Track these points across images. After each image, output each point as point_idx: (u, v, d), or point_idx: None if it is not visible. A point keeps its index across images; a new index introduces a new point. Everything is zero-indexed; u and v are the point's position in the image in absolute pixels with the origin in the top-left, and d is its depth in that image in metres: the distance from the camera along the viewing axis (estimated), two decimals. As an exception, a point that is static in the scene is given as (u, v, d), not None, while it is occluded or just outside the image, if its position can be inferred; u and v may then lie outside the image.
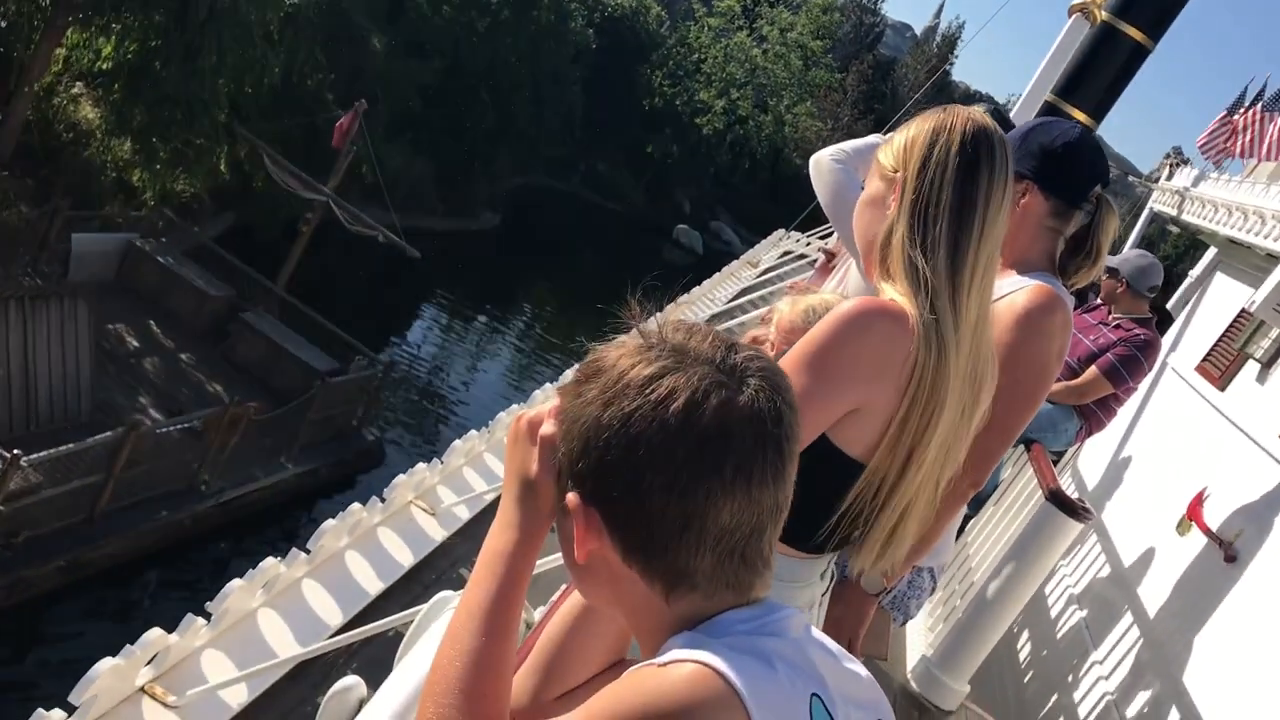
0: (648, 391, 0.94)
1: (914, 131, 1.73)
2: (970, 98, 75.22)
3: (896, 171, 1.71)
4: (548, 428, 1.06)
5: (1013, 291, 2.20)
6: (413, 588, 4.45)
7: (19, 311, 12.30)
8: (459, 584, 4.42)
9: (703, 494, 0.93)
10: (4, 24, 15.02)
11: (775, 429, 0.96)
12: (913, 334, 1.58)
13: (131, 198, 17.56)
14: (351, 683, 1.93)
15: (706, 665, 0.88)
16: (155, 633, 3.37)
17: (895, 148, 1.73)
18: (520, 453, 1.09)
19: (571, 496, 0.99)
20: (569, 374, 1.14)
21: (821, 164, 3.01)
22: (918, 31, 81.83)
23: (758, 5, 54.28)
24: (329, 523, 4.28)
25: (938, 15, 76.67)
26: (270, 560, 3.92)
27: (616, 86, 48.23)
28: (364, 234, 18.21)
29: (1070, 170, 2.40)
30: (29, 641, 11.81)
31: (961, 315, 1.64)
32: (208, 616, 3.67)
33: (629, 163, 51.76)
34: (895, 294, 1.64)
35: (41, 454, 11.02)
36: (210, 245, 18.16)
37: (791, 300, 2.21)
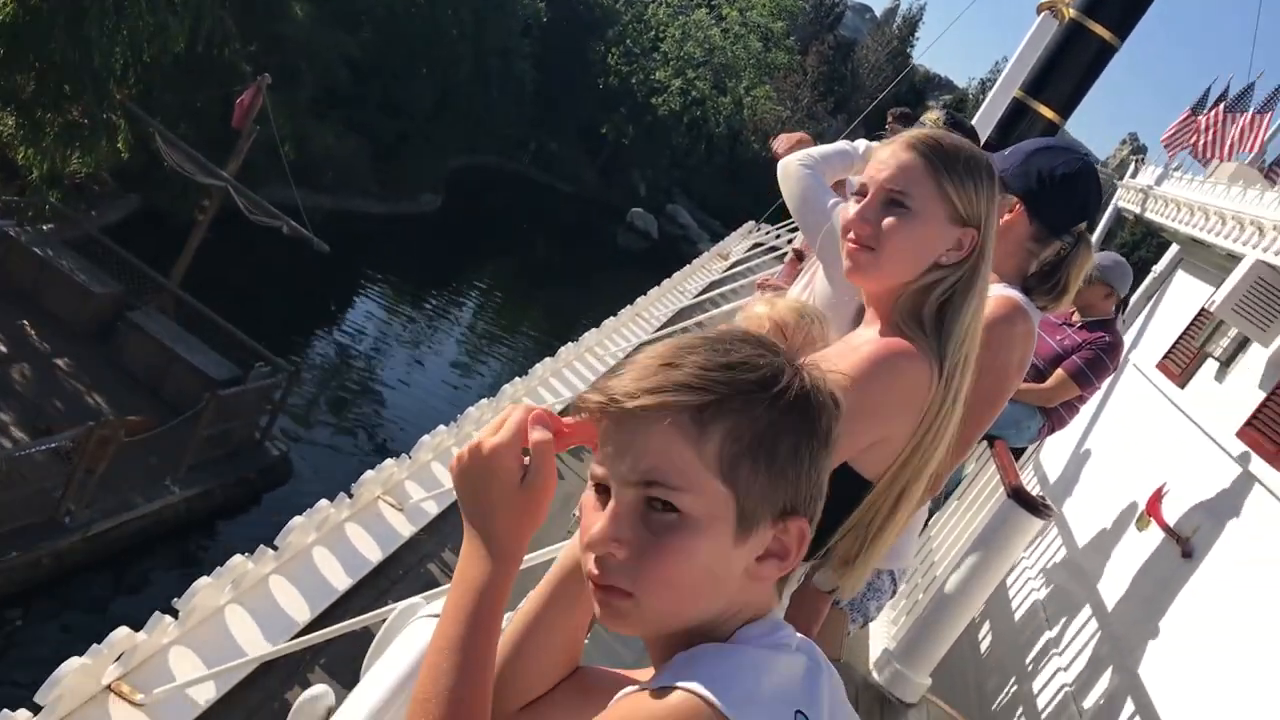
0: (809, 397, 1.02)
1: (984, 188, 1.81)
2: (930, 82, 76.25)
3: (969, 224, 1.79)
4: (540, 434, 1.09)
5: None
6: (380, 583, 4.57)
7: None
8: (427, 581, 4.77)
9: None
10: None
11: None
12: (933, 378, 1.73)
13: (13, 179, 16.70)
14: (319, 692, 2.00)
15: (695, 694, 0.90)
16: (122, 631, 3.43)
17: (956, 197, 1.79)
18: (498, 470, 1.09)
19: (804, 522, 1.02)
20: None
21: (790, 169, 3.10)
22: (878, 13, 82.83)
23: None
24: (296, 519, 4.35)
25: (898, -3, 77.71)
26: (238, 557, 4.01)
27: (570, 63, 48.20)
28: (266, 224, 16.92)
29: (1063, 201, 2.53)
30: None
31: (969, 365, 1.79)
32: (175, 614, 3.73)
33: (582, 143, 51.84)
34: (917, 335, 1.76)
35: None
36: (97, 236, 16.75)
37: (768, 301, 2.21)
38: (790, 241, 17.46)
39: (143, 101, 18.87)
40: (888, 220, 1.78)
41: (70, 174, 17.83)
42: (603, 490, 1.02)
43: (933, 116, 3.74)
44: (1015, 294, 2.38)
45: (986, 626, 6.20)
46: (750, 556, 1.01)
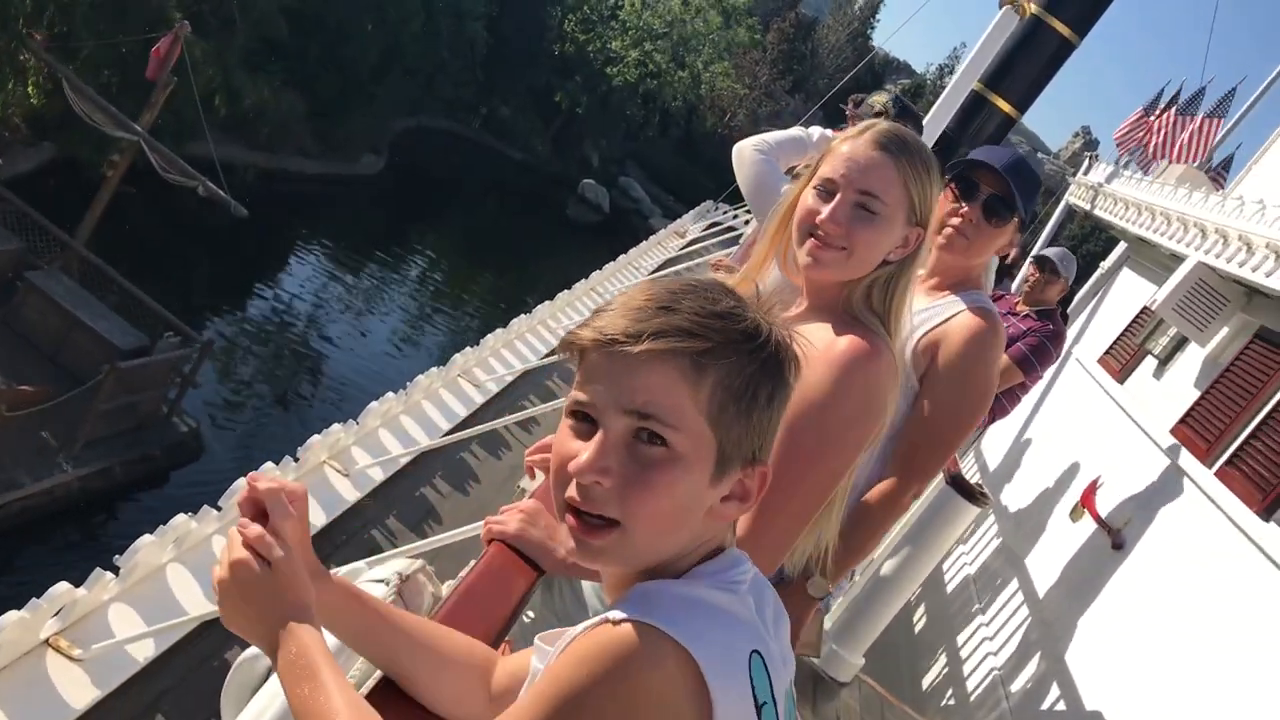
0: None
1: (935, 188, 1.93)
2: (889, 65, 76.62)
3: (918, 224, 1.90)
4: (253, 530, 1.22)
5: (958, 313, 2.45)
6: (324, 547, 4.64)
7: None
8: (370, 546, 4.91)
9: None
10: None
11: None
12: (896, 368, 1.84)
13: None
14: (258, 651, 2.17)
15: (655, 626, 0.97)
16: (62, 586, 3.52)
17: (916, 198, 1.89)
18: (244, 579, 1.19)
19: (767, 469, 1.13)
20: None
21: (744, 155, 3.27)
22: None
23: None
24: (239, 481, 4.35)
25: (860, -23, 78.02)
26: (181, 516, 4.11)
27: (525, 27, 47.77)
28: (180, 184, 16.00)
29: (1034, 203, 2.77)
30: None
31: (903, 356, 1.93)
32: (116, 571, 3.81)
33: (535, 110, 51.48)
34: (878, 329, 1.86)
35: None
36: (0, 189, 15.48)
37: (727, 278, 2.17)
38: (746, 223, 17.67)
39: (62, 44, 18.33)
40: (859, 222, 1.85)
41: (-28, 119, 16.93)
42: (584, 419, 1.09)
43: (880, 100, 3.80)
44: (990, 305, 2.52)
45: (921, 610, 6.36)
46: (717, 497, 1.10)
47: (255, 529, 1.21)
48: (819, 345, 1.77)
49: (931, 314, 2.47)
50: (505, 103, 49.28)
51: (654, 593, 1.06)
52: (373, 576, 1.71)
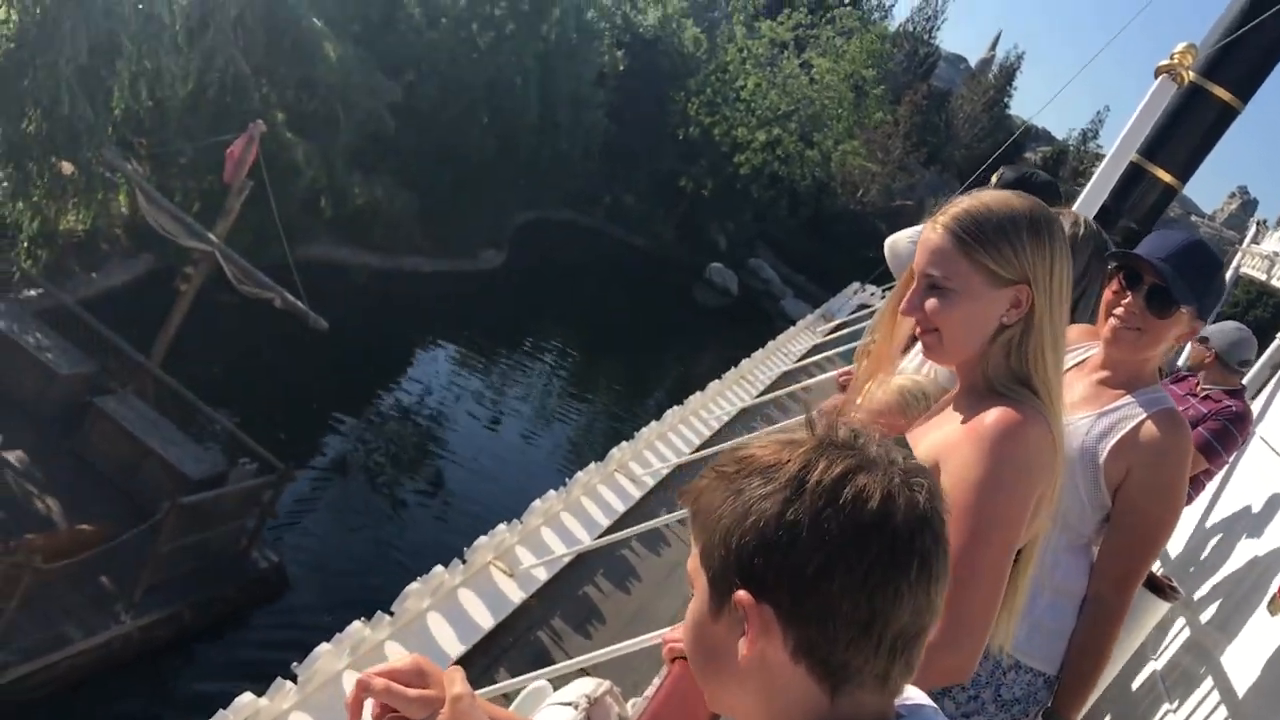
0: (839, 488, 1.03)
1: (1023, 241, 1.87)
2: (1027, 133, 73.46)
3: (1017, 282, 1.87)
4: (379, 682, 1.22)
5: (1142, 421, 2.45)
6: (492, 650, 4.81)
7: None
8: (537, 651, 5.01)
9: (892, 593, 1.03)
10: None
11: (943, 530, 1.08)
12: (1050, 431, 1.85)
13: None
14: None
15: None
16: (246, 697, 3.75)
17: (992, 262, 1.87)
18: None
19: (744, 595, 1.05)
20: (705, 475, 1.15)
21: (899, 247, 3.41)
22: (972, 63, 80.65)
23: (809, 29, 52.48)
24: (413, 585, 4.60)
25: (993, 47, 76.00)
26: (356, 624, 4.20)
27: (647, 113, 46.52)
28: (256, 295, 14.80)
29: (1216, 296, 2.66)
30: None
31: (1060, 419, 1.92)
32: (295, 679, 3.90)
33: (659, 196, 49.98)
34: (1014, 392, 1.87)
35: None
36: (71, 306, 14.61)
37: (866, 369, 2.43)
38: None
39: (161, 150, 17.43)
40: (931, 304, 1.92)
41: (67, 232, 16.20)
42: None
43: (994, 180, 3.83)
44: (1172, 406, 2.51)
45: (1107, 714, 5.93)
46: None
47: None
48: (969, 423, 1.85)
49: (1112, 421, 2.49)
50: (628, 190, 47.88)
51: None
52: (560, 699, 1.67)
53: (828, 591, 1.01)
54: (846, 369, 5.43)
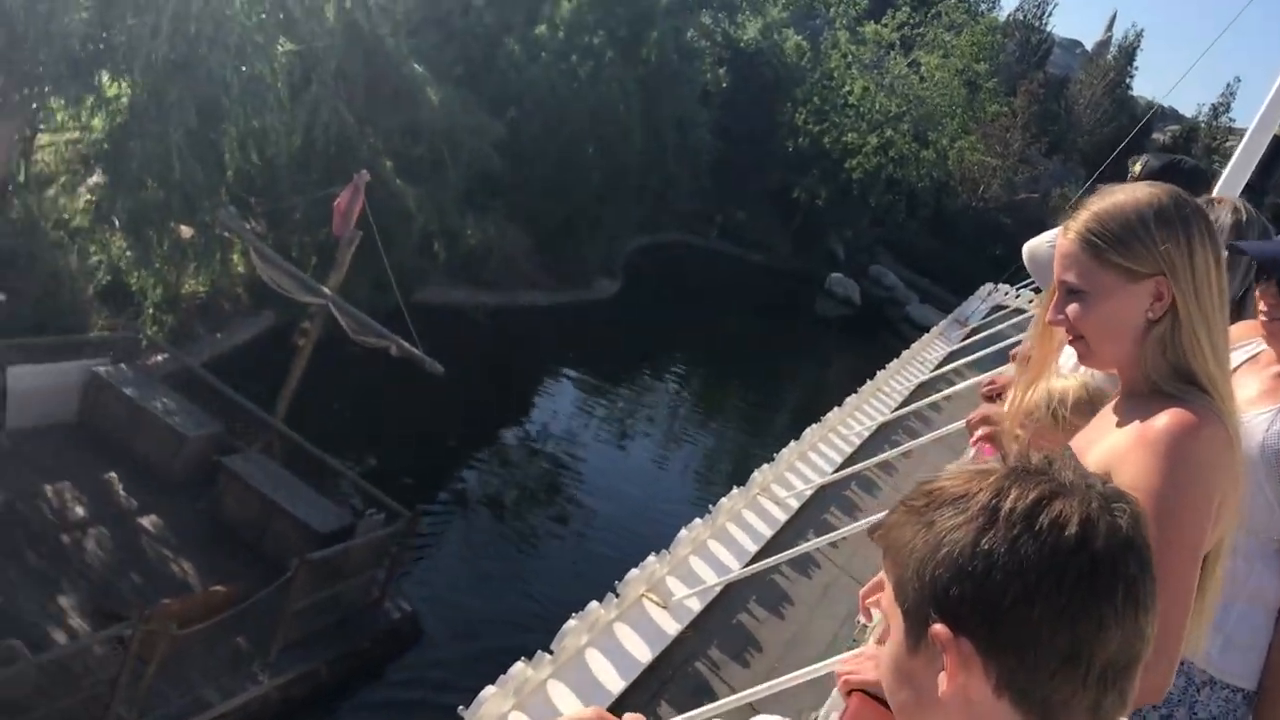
0: (1035, 516, 1.01)
1: (1156, 230, 1.82)
2: (1154, 113, 70.20)
3: (1153, 275, 1.83)
4: None
5: None
6: (652, 684, 4.80)
7: None
8: (697, 683, 5.00)
9: (1095, 621, 1.00)
10: None
11: (1147, 555, 1.04)
12: (1223, 426, 1.78)
13: (122, 309, 15.25)
14: None
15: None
16: None
17: (1123, 259, 1.84)
18: None
19: (940, 628, 1.03)
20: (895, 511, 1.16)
21: (1039, 253, 3.13)
22: (1088, 47, 77.63)
23: (915, 27, 51.14)
24: (570, 622, 4.60)
25: (1110, 27, 73.13)
26: (519, 664, 4.24)
27: (754, 128, 45.84)
28: (373, 345, 14.68)
29: None
30: None
31: (1234, 415, 1.84)
32: None
33: (773, 210, 49.20)
34: (1179, 391, 1.81)
35: None
36: (195, 369, 14.79)
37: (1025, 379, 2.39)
38: (1030, 302, 16.00)
39: (273, 208, 17.65)
40: (1072, 309, 1.90)
41: (190, 294, 16.48)
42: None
43: (1136, 168, 3.73)
44: None
45: None
46: None
47: None
48: (1138, 428, 1.80)
49: None
50: (740, 206, 47.22)
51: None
52: None
53: (1026, 619, 0.99)
54: (990, 378, 5.00)
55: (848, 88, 49.41)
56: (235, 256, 15.78)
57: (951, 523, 1.03)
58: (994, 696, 1.01)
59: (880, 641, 2.08)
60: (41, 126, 14.30)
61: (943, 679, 1.02)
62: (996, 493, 1.03)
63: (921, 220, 54.85)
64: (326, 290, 14.06)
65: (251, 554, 13.19)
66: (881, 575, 1.65)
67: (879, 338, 41.36)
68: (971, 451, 3.77)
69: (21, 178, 13.89)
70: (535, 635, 5.50)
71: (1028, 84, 58.44)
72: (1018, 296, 17.33)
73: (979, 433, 3.06)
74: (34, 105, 12.97)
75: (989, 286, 19.96)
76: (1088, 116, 63.16)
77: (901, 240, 55.18)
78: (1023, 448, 1.11)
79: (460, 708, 4.01)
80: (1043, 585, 0.98)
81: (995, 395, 3.74)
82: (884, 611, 1.14)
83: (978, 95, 51.86)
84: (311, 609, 12.33)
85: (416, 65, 19.01)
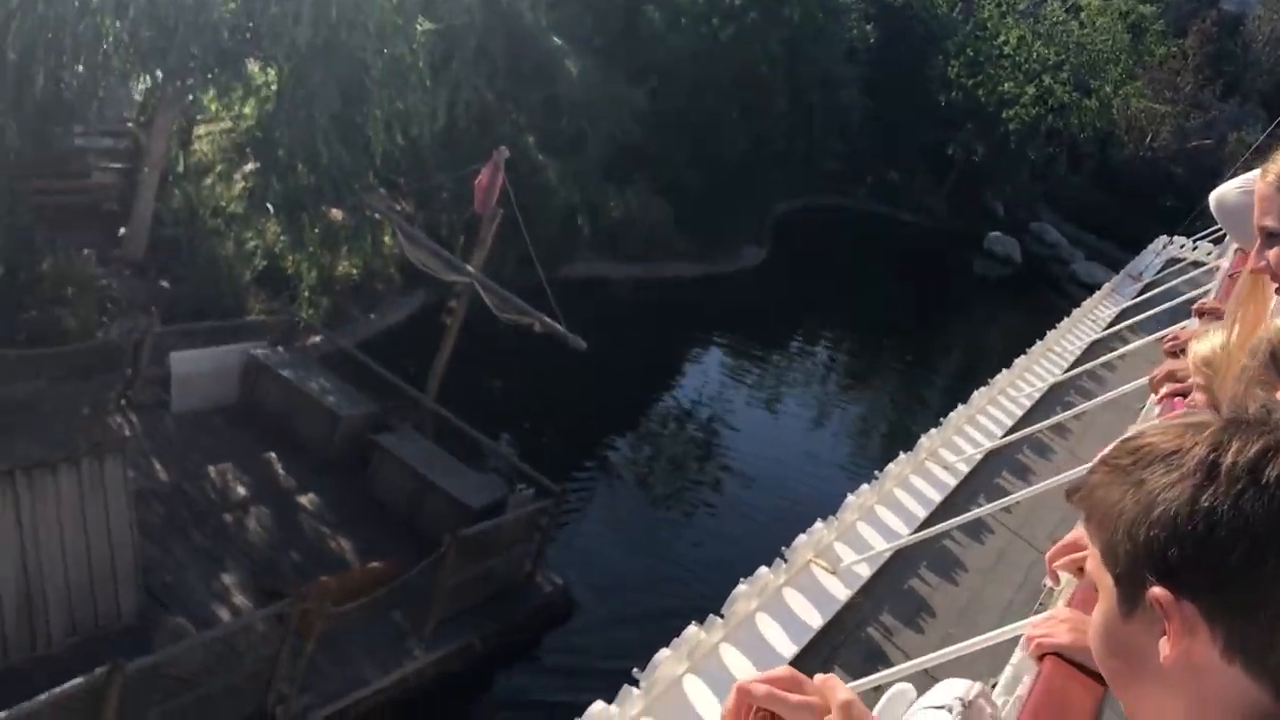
0: (1260, 469, 0.96)
1: None
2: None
3: None
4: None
5: None
6: (823, 649, 4.78)
7: (8, 490, 9.30)
8: (870, 648, 4.98)
9: None
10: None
11: None
12: None
13: (279, 293, 15.55)
14: None
15: None
16: (598, 705, 3.80)
17: None
18: None
19: (1161, 591, 0.98)
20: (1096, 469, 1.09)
21: (1228, 200, 2.82)
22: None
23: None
24: (740, 587, 4.70)
25: (1292, -45, 67.42)
26: (692, 628, 4.32)
27: (905, 83, 44.22)
28: (516, 322, 14.70)
29: None
30: None
31: None
32: (637, 684, 4.00)
33: (927, 168, 47.45)
34: None
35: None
36: (348, 350, 14.95)
37: (1212, 333, 2.36)
38: (1210, 254, 15.04)
39: (420, 188, 17.84)
40: (1275, 254, 1.85)
41: (344, 276, 16.78)
42: None
43: None
44: None
45: None
46: None
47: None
48: None
49: None
50: (892, 166, 45.68)
51: None
52: (930, 703, 1.53)
53: (1257, 579, 0.94)
54: (1173, 333, 4.90)
55: (1002, 37, 47.06)
56: (386, 238, 16.01)
57: (1164, 480, 0.99)
58: (1222, 662, 0.96)
59: (1070, 604, 1.84)
60: (198, 117, 14.73)
61: (1164, 645, 0.98)
62: (1214, 446, 0.98)
63: (1085, 173, 52.00)
64: (470, 269, 14.10)
65: (406, 530, 13.39)
66: (1071, 537, 1.56)
67: (1043, 298, 39.54)
68: (1156, 409, 3.62)
69: (180, 168, 14.36)
70: (690, 602, 5.63)
71: (1199, 23, 54.61)
72: (1195, 249, 16.35)
73: (1164, 390, 2.93)
74: (189, 97, 13.33)
75: (1163, 239, 18.94)
76: (1267, 54, 58.63)
77: (1064, 195, 52.50)
78: (1238, 397, 1.02)
79: (635, 670, 4.02)
80: (1274, 542, 0.93)
81: (1179, 351, 3.56)
82: (1090, 576, 1.10)
83: (1143, 38, 48.68)
84: (467, 584, 12.46)
85: (555, 38, 18.83)
